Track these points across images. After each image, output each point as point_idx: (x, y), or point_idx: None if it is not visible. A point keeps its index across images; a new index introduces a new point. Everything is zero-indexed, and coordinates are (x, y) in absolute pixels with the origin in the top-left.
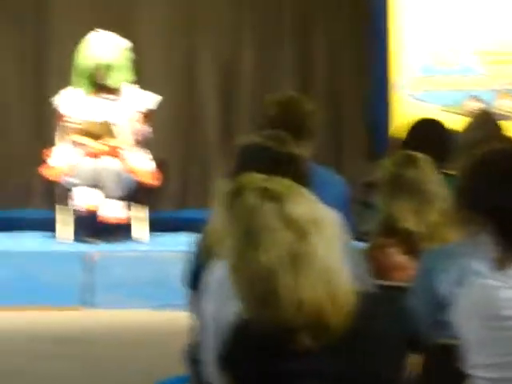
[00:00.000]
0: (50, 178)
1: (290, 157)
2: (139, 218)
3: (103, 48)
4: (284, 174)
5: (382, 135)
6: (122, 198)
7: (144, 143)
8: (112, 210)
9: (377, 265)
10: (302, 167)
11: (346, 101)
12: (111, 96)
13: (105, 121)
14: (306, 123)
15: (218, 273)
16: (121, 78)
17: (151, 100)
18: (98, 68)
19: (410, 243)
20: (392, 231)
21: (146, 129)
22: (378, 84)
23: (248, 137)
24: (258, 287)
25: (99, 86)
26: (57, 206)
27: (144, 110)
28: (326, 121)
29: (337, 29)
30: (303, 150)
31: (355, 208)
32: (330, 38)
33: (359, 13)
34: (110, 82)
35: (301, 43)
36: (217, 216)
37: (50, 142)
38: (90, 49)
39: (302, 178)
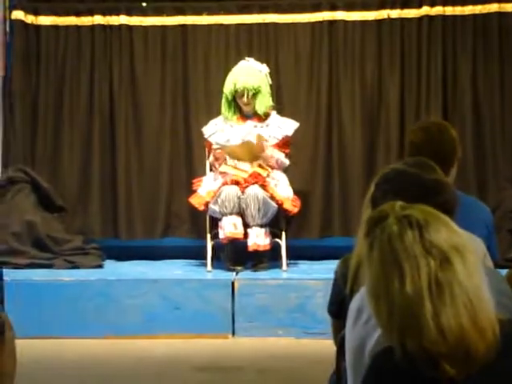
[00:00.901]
0: (198, 207)
1: (436, 184)
2: (280, 246)
3: (250, 73)
4: (431, 202)
5: None
6: (264, 225)
7: (284, 169)
8: (255, 238)
9: None
10: (450, 194)
11: (492, 127)
12: (257, 123)
13: (249, 143)
14: (451, 150)
15: (359, 300)
16: (266, 103)
17: (291, 127)
18: (245, 92)
19: None
20: None
21: (284, 155)
22: None
23: (392, 164)
24: (401, 314)
25: (246, 112)
26: (207, 235)
27: (283, 136)
28: (472, 147)
29: (483, 53)
30: (449, 177)
31: (502, 236)
32: (477, 67)
33: (506, 37)
34: (257, 107)
35: (446, 68)
36: (359, 243)
37: (199, 171)
38: (238, 75)
39: (450, 206)
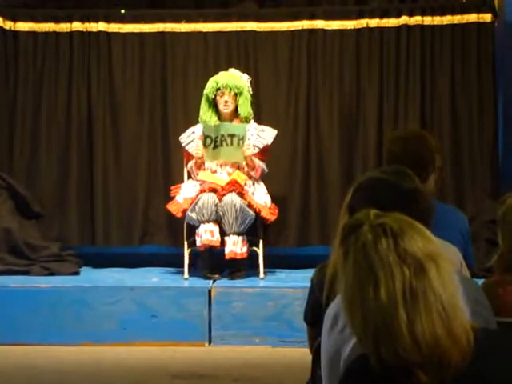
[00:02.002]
0: (175, 214)
1: (413, 192)
2: (258, 254)
3: (233, 75)
4: (407, 210)
5: (507, 172)
6: (241, 234)
7: (262, 178)
8: (232, 246)
9: (498, 302)
10: (426, 203)
11: (470, 137)
12: None
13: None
14: (428, 159)
15: (335, 308)
16: (248, 107)
17: (270, 135)
18: (227, 91)
19: None
20: None
21: (263, 164)
22: (502, 122)
23: (369, 172)
24: (375, 323)
25: (224, 116)
26: (185, 243)
27: (264, 145)
28: (450, 157)
29: (461, 68)
30: (426, 186)
31: (480, 245)
32: (455, 77)
33: (485, 47)
34: (240, 109)
35: (425, 78)
36: (335, 251)
37: (176, 178)
38: (221, 75)
39: (426, 214)
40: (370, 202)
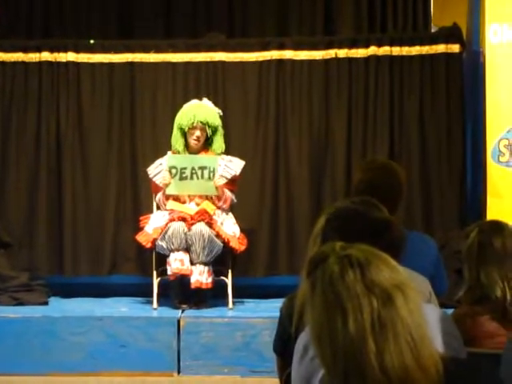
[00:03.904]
0: (145, 245)
1: (383, 222)
2: (227, 284)
3: (210, 112)
4: (379, 239)
5: (475, 202)
6: (208, 264)
7: (230, 208)
8: (198, 275)
9: (467, 332)
10: (398, 232)
11: (439, 167)
12: None
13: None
14: (399, 192)
15: (304, 339)
16: (222, 144)
17: (238, 165)
18: (204, 127)
19: (500, 311)
20: (482, 299)
21: (232, 194)
22: (471, 152)
23: (338, 202)
24: (344, 355)
25: (193, 150)
26: (154, 272)
27: (232, 175)
28: (419, 187)
29: (430, 98)
30: (395, 216)
31: (449, 276)
32: (424, 106)
33: (453, 77)
34: (215, 146)
35: (393, 108)
36: (303, 282)
37: (145, 208)
38: (198, 109)
39: (397, 243)
40: (341, 232)
